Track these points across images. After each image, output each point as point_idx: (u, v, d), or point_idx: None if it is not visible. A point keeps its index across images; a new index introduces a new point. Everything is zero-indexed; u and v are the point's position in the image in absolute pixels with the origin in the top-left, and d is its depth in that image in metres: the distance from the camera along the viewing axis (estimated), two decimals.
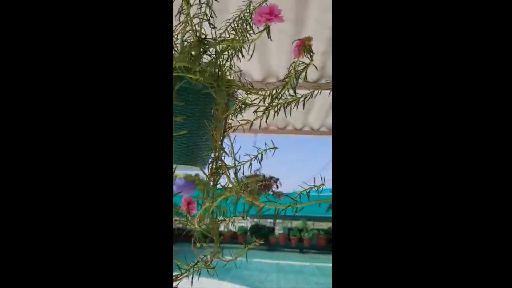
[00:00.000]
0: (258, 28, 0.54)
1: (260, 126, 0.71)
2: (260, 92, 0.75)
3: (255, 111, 0.66)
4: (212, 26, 0.74)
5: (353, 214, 0.38)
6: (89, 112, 0.40)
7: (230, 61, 0.77)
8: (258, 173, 3.53)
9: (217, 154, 0.68)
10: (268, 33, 0.52)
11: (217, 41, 0.70)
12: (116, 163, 0.40)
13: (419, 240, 0.37)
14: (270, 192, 3.52)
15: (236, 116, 0.75)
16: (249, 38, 0.62)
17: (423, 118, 0.38)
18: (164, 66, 0.44)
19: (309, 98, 0.62)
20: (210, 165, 0.69)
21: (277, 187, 3.50)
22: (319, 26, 1.80)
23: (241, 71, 0.88)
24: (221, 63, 0.76)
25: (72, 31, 0.40)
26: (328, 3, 1.63)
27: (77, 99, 0.40)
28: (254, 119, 0.66)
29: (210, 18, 0.75)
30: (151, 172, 0.41)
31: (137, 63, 0.42)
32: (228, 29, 0.72)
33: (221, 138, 0.74)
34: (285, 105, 0.62)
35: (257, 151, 0.63)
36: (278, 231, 9.09)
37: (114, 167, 0.40)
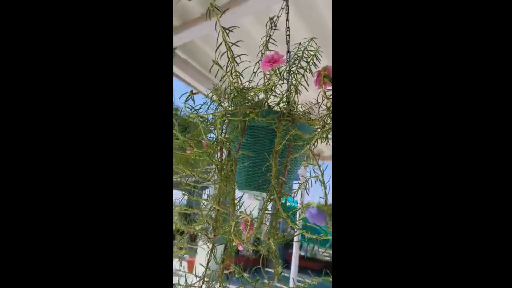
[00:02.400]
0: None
1: None
2: (318, 122, 0.77)
3: (309, 142, 0.69)
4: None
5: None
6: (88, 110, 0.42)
7: (295, 94, 0.83)
8: None
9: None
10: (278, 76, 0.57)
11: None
12: (117, 164, 0.41)
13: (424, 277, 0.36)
14: None
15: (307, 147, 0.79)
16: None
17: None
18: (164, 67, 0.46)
19: None
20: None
21: None
22: None
23: (318, 103, 0.91)
24: (288, 99, 0.82)
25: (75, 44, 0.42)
26: None
27: (77, 103, 0.41)
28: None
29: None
30: (152, 173, 0.41)
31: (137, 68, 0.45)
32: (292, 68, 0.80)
33: (284, 166, 0.79)
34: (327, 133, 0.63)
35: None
36: None
37: (115, 168, 0.41)
